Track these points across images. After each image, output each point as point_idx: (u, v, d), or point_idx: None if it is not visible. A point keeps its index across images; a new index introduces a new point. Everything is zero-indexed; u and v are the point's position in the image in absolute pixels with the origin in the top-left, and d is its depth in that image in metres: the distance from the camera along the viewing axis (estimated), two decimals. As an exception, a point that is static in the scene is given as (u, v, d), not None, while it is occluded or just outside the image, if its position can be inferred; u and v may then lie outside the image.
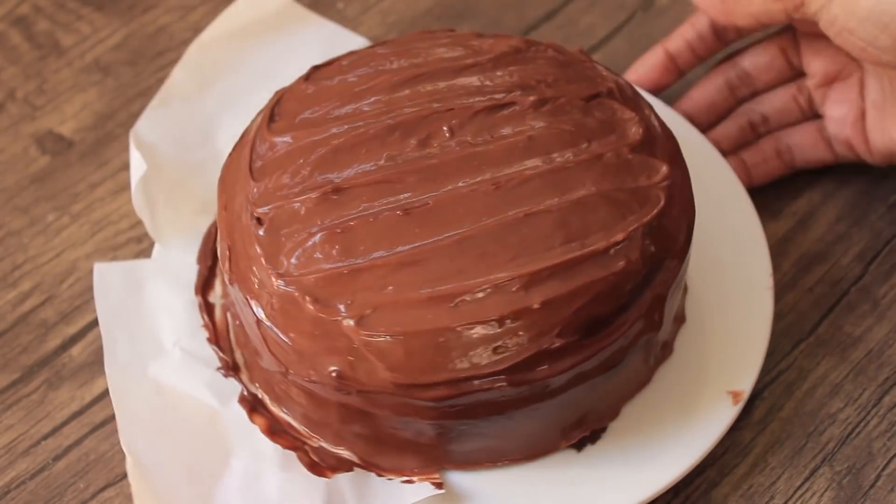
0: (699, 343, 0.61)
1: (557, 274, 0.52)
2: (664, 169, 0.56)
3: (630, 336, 0.54)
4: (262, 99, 0.65)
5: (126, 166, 0.70)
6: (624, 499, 0.56)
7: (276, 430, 0.58)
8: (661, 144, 0.58)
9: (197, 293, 0.62)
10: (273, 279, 0.53)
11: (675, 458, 0.57)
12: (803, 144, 0.68)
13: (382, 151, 0.56)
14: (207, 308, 0.62)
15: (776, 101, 0.68)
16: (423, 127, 0.57)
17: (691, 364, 0.60)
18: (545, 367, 0.52)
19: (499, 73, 0.59)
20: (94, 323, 0.64)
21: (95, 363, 0.63)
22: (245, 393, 0.59)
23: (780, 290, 0.65)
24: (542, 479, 0.57)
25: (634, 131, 0.57)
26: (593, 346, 0.53)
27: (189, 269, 0.63)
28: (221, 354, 0.60)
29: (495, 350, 0.52)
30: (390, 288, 0.52)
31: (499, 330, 0.52)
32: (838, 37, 0.60)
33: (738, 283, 0.62)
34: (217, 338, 0.61)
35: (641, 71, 0.69)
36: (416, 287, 0.52)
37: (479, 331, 0.52)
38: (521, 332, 0.52)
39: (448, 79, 0.59)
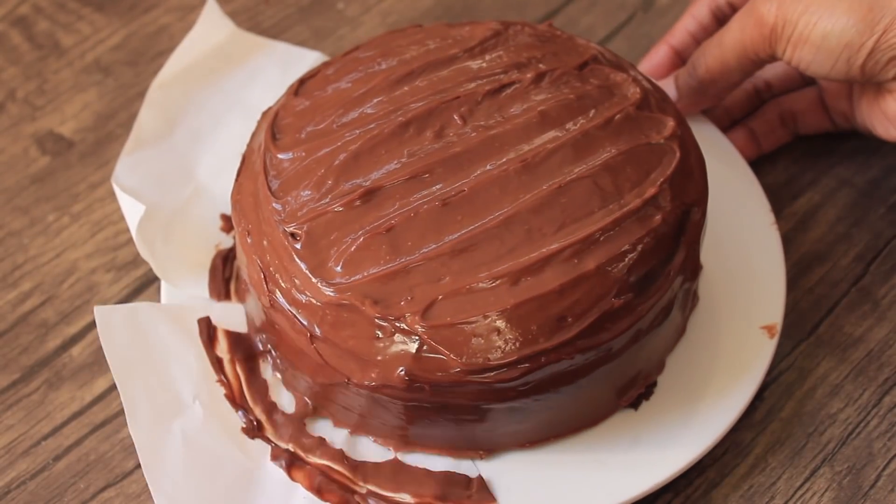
0: (721, 288, 0.62)
1: (604, 236, 0.54)
2: (671, 123, 0.58)
3: (675, 287, 0.56)
4: (231, 128, 0.66)
5: (126, 166, 0.71)
6: (691, 449, 0.57)
7: (321, 486, 0.56)
8: (657, 100, 0.59)
9: (206, 347, 0.61)
10: (323, 289, 0.53)
11: (730, 401, 0.58)
12: (805, 111, 0.70)
13: (402, 149, 0.56)
14: (218, 362, 0.60)
15: (778, 68, 0.70)
16: (434, 118, 0.57)
17: (718, 309, 0.62)
18: (608, 329, 0.53)
19: (489, 57, 0.60)
20: (94, 323, 0.64)
21: (95, 363, 0.63)
22: (276, 449, 0.58)
23: (781, 291, 0.65)
24: (608, 442, 0.58)
25: (633, 91, 0.59)
26: (647, 301, 0.54)
27: (192, 313, 0.61)
28: (247, 416, 0.59)
29: (560, 321, 0.53)
30: (447, 278, 0.53)
31: (561, 300, 0.52)
32: (803, 70, 0.62)
33: (743, 225, 0.64)
34: (233, 395, 0.59)
35: (647, 68, 0.69)
36: (472, 273, 0.53)
37: (542, 304, 0.52)
38: (582, 299, 0.53)
39: (443, 69, 0.59)
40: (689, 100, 0.66)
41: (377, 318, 0.52)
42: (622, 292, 0.53)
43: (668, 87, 0.67)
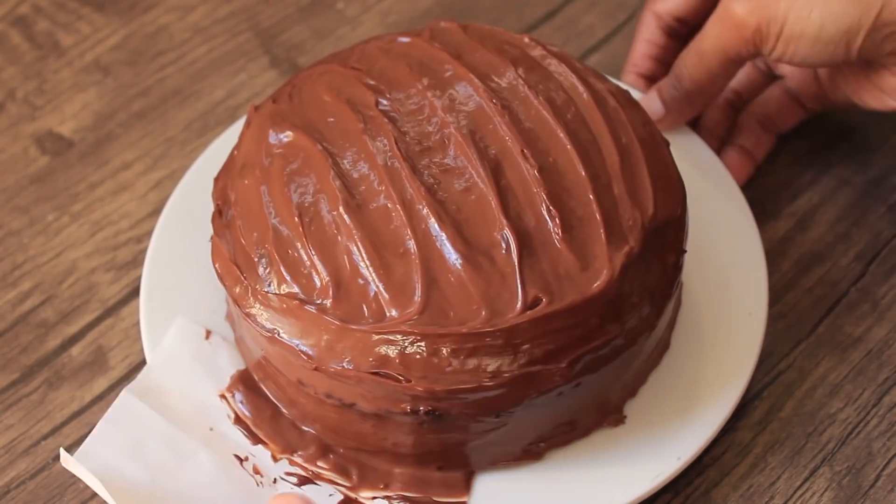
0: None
1: None
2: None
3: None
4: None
5: (126, 166, 0.70)
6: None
7: None
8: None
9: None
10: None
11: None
12: (779, 109, 0.69)
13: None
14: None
15: (741, 75, 0.70)
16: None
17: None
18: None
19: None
20: (94, 323, 0.64)
21: (95, 363, 0.63)
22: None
23: (780, 290, 0.65)
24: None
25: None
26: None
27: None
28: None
29: None
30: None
31: None
32: (795, 64, 0.61)
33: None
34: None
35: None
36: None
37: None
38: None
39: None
40: (678, 112, 0.66)
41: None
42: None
43: (651, 102, 0.66)
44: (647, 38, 0.69)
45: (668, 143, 0.59)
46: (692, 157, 0.66)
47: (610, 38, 0.77)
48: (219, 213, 0.58)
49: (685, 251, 0.57)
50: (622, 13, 0.78)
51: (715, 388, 0.59)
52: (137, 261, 0.67)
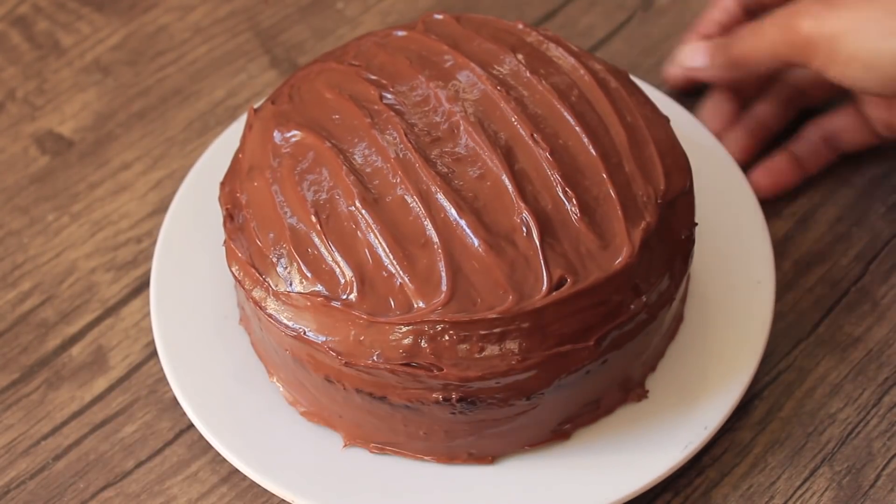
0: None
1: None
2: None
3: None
4: None
5: (126, 166, 0.70)
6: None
7: None
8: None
9: None
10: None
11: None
12: (847, 129, 0.68)
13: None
14: None
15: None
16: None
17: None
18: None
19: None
20: (94, 323, 0.65)
21: (95, 363, 0.63)
22: None
23: (780, 290, 0.65)
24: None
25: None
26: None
27: None
28: None
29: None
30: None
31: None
32: (847, 86, 0.61)
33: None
34: None
35: (689, 65, 0.69)
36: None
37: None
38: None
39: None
40: (717, 71, 0.66)
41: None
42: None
43: (696, 52, 0.67)
44: (722, 6, 0.69)
45: (668, 120, 0.59)
46: (687, 134, 0.66)
47: (610, 38, 0.77)
48: (230, 218, 0.57)
49: (696, 223, 0.57)
50: (622, 13, 0.78)
51: (733, 355, 0.60)
52: (137, 261, 0.67)
